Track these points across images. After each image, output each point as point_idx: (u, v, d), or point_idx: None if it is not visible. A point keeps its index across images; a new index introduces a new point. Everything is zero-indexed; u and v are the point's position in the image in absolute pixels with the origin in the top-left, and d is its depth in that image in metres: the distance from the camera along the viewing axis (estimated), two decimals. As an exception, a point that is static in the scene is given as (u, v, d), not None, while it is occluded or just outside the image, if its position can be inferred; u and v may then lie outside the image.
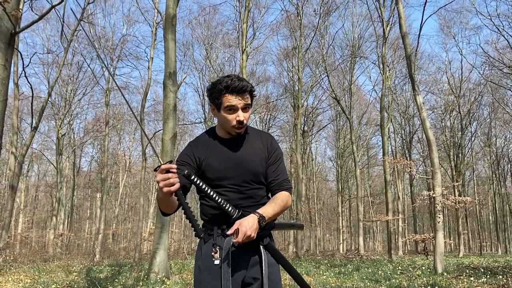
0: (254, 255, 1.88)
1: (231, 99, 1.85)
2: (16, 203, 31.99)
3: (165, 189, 1.59)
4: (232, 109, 1.86)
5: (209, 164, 1.93)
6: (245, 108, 1.89)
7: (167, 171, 1.60)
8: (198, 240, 1.98)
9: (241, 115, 1.86)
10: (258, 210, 1.81)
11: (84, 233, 40.09)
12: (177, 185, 1.62)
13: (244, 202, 1.91)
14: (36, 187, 42.04)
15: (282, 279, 2.12)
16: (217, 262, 1.82)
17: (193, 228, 1.77)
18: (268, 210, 1.85)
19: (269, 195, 2.04)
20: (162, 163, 1.63)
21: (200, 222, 1.98)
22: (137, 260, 18.04)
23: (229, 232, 1.74)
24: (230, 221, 1.83)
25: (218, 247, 1.85)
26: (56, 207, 27.74)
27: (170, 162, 1.63)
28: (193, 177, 1.71)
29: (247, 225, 1.73)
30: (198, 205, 2.07)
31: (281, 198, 1.94)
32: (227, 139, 1.97)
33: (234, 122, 1.88)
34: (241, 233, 1.71)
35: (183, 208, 1.73)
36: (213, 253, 1.85)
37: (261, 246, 1.87)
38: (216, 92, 1.87)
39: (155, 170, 1.62)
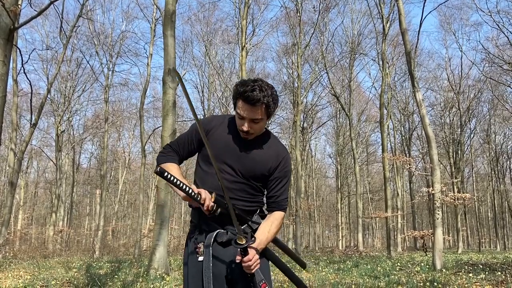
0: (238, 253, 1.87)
1: (241, 108, 1.83)
2: (16, 199, 31.98)
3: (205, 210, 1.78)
4: (241, 117, 1.85)
5: (213, 143, 1.93)
6: (254, 121, 1.85)
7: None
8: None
9: (246, 126, 1.85)
10: (254, 245, 1.79)
11: (83, 229, 40.11)
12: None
13: (231, 193, 1.89)
14: (35, 183, 42.02)
15: (281, 276, 2.16)
16: (200, 258, 1.85)
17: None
18: (263, 240, 1.86)
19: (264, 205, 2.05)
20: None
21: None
22: (136, 257, 18.06)
23: (237, 259, 1.77)
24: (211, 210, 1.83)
25: (201, 243, 1.87)
26: (55, 204, 27.76)
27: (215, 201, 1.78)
28: (165, 174, 1.70)
29: (254, 259, 1.75)
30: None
31: (277, 224, 1.96)
32: None
33: (240, 128, 1.88)
34: (246, 267, 1.75)
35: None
36: (197, 250, 1.87)
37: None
38: (235, 93, 1.87)
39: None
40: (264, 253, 1.92)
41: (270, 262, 2.00)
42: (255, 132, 1.90)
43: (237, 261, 1.75)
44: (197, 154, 2.07)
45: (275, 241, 2.07)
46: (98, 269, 10.73)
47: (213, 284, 1.80)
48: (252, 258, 1.73)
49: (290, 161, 2.04)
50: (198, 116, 1.97)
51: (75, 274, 9.46)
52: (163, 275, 8.48)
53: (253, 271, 1.75)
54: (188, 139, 2.02)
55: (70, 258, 16.26)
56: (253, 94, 1.78)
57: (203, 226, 1.91)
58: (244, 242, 1.71)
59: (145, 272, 8.76)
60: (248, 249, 1.73)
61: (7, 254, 17.29)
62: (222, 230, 1.88)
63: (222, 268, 1.85)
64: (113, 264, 12.40)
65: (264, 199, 2.05)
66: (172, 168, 1.89)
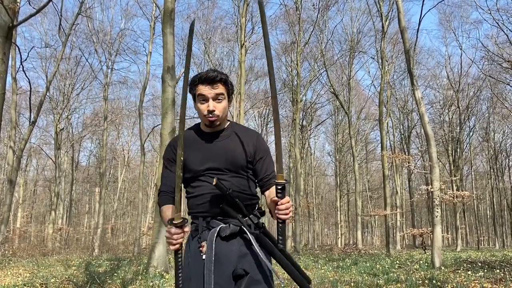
0: (242, 246, 1.88)
1: (202, 89, 1.92)
2: (15, 197, 31.99)
3: (171, 247, 1.80)
4: (204, 99, 1.93)
5: (188, 156, 1.98)
6: (217, 99, 1.94)
7: (177, 226, 1.77)
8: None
9: (211, 105, 1.92)
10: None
11: (83, 227, 40.15)
12: (176, 246, 1.78)
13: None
14: (34, 181, 42.01)
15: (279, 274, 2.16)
16: (204, 257, 1.83)
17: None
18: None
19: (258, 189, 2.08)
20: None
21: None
22: (136, 255, 18.08)
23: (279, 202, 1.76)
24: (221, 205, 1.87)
25: (204, 241, 1.86)
26: (55, 202, 27.76)
27: (184, 220, 1.78)
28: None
29: (290, 203, 1.79)
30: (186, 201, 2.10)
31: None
32: (209, 132, 2.02)
33: (206, 112, 1.93)
34: (283, 209, 1.75)
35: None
36: (200, 248, 1.86)
37: (251, 237, 1.87)
38: (192, 84, 1.96)
39: (170, 223, 1.79)
40: (263, 241, 1.92)
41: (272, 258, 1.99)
42: (220, 113, 1.95)
43: (274, 199, 1.78)
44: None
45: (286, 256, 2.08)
46: (97, 267, 10.74)
47: (219, 281, 1.80)
48: (289, 201, 1.76)
49: (263, 140, 2.11)
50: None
51: (74, 272, 9.47)
52: (162, 273, 8.50)
53: (288, 215, 1.76)
54: (170, 167, 2.07)
55: (69, 256, 16.27)
56: (209, 74, 1.92)
57: (206, 224, 1.92)
58: (283, 180, 1.75)
59: (145, 270, 8.77)
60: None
61: (6, 252, 17.28)
62: (225, 225, 1.89)
63: (227, 264, 1.84)
64: (112, 262, 12.42)
65: (257, 190, 2.08)
66: (166, 210, 1.99)
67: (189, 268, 1.89)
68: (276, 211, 1.76)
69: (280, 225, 1.78)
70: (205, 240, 1.86)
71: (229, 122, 2.08)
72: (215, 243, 1.85)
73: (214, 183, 1.79)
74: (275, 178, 1.96)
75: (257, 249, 1.85)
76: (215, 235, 1.85)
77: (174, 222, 1.76)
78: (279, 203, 1.75)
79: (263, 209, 2.05)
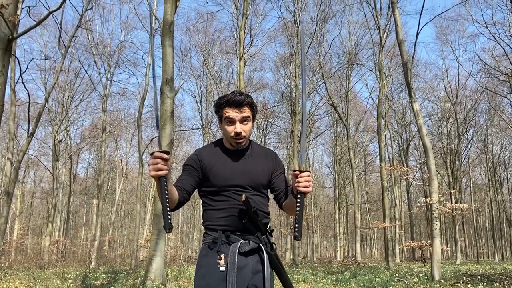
0: (257, 263, 1.95)
1: (229, 112, 1.99)
2: (12, 209, 31.75)
3: (152, 173, 1.69)
4: (231, 121, 1.99)
5: (214, 171, 2.03)
6: (244, 121, 2.00)
7: (160, 158, 1.70)
8: (202, 243, 2.06)
9: (238, 127, 1.98)
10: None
11: (80, 240, 39.82)
12: (164, 172, 1.71)
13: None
14: (32, 193, 41.78)
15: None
16: (222, 268, 1.87)
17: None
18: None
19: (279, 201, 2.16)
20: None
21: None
22: (133, 267, 17.91)
23: (298, 177, 1.83)
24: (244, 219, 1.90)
25: (223, 254, 1.91)
26: (52, 214, 27.57)
27: (166, 152, 1.72)
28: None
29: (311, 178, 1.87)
30: (201, 213, 2.13)
31: None
32: (232, 150, 2.09)
33: (232, 134, 2.00)
34: (306, 181, 1.82)
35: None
36: (218, 260, 1.90)
37: (265, 255, 1.94)
38: (218, 106, 2.03)
39: (151, 155, 1.72)
40: (274, 261, 1.97)
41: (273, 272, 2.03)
42: (246, 135, 2.03)
43: (295, 173, 1.85)
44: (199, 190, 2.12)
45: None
46: (94, 280, 10.64)
47: None
48: (309, 175, 1.84)
49: (279, 158, 2.24)
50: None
51: (71, 285, 9.37)
52: (160, 286, 8.42)
53: (308, 188, 1.81)
54: (189, 173, 2.06)
55: (66, 269, 16.11)
56: (236, 97, 1.97)
57: (225, 238, 1.96)
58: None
59: (142, 283, 8.69)
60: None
61: (3, 264, 17.11)
62: (244, 241, 1.95)
63: (243, 279, 1.89)
64: (109, 275, 12.31)
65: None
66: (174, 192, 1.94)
67: (205, 280, 1.92)
68: (296, 184, 1.83)
69: (299, 200, 1.82)
70: (224, 253, 1.91)
71: (249, 141, 2.17)
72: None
73: (242, 199, 1.86)
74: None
75: (268, 271, 1.92)
76: (237, 250, 1.90)
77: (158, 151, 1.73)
78: (299, 175, 1.83)
79: (272, 229, 2.11)
